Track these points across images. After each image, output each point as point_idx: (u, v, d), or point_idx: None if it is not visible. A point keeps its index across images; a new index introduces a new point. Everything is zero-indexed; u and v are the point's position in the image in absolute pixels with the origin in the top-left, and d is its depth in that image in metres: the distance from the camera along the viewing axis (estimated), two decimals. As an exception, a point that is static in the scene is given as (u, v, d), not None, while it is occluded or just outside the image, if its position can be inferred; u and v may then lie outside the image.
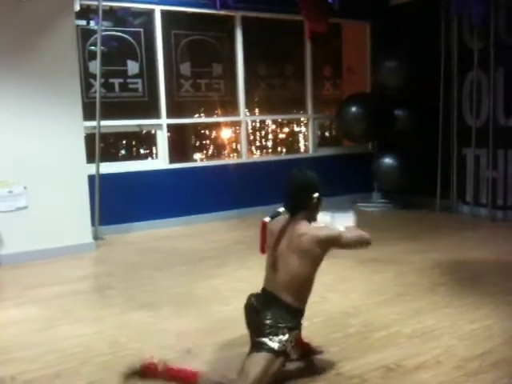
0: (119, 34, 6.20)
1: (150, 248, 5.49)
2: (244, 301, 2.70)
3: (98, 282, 4.60)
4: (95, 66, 5.72)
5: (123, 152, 7.01)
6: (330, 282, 4.16)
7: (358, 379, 2.62)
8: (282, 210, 2.65)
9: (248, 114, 7.26)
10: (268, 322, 2.48)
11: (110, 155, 6.61)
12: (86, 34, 5.94)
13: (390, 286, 4.04)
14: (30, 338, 3.27)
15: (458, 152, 6.69)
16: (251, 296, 2.67)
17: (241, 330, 2.74)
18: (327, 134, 8.58)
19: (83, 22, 5.80)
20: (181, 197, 6.43)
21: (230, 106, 7.12)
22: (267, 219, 2.58)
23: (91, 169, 5.57)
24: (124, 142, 6.99)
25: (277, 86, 7.65)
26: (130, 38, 6.28)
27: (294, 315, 2.55)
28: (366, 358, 2.84)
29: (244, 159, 7.10)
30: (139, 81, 6.35)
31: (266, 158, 7.97)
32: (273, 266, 2.63)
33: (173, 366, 2.42)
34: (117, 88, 6.22)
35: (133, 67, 6.30)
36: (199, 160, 7.47)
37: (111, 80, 6.17)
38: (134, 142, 7.03)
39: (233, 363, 2.61)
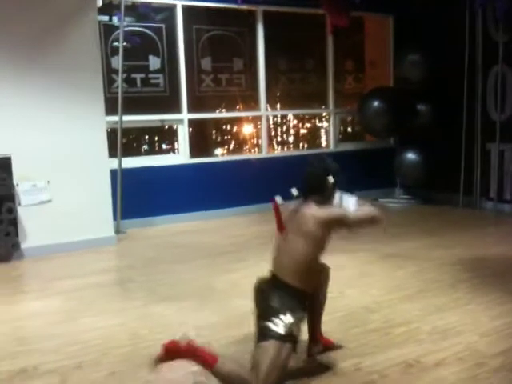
0: (141, 29, 6.24)
1: (170, 242, 5.53)
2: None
3: (119, 275, 4.65)
4: (117, 62, 5.77)
5: (145, 147, 7.05)
6: (350, 278, 4.15)
7: (377, 375, 2.60)
8: (295, 191, 2.67)
9: (269, 108, 7.24)
10: (273, 304, 2.47)
11: (131, 150, 6.66)
12: (108, 30, 5.99)
13: (411, 282, 4.01)
14: (52, 330, 3.32)
15: (481, 147, 6.59)
16: (259, 279, 2.66)
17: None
18: (349, 129, 8.52)
19: (105, 18, 5.87)
20: (201, 191, 6.45)
21: (251, 101, 7.12)
22: (278, 198, 2.61)
23: (113, 163, 5.63)
24: (146, 136, 7.03)
25: (298, 81, 7.62)
26: (151, 34, 6.32)
27: (299, 298, 2.53)
28: (385, 354, 2.82)
29: (264, 154, 7.10)
30: (161, 76, 6.38)
31: (286, 153, 7.95)
32: (279, 249, 2.65)
33: (194, 344, 2.40)
34: (138, 83, 6.26)
35: (154, 62, 6.33)
36: (220, 155, 7.48)
37: (133, 75, 6.22)
38: (155, 137, 7.06)
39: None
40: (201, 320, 3.37)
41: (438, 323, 3.21)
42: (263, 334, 2.44)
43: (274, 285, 2.57)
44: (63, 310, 3.65)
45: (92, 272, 4.53)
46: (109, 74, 6.02)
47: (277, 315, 2.43)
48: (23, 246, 4.95)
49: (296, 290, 2.53)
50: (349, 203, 2.69)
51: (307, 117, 8.31)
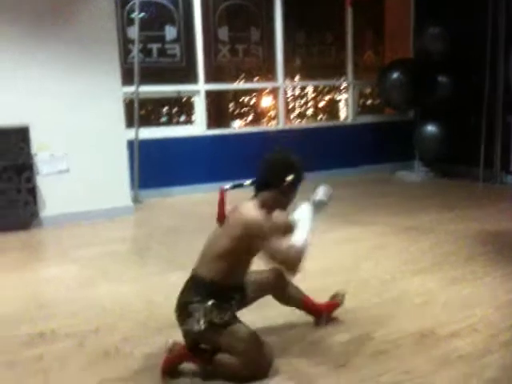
0: (158, -1, 6.19)
1: (188, 212, 5.56)
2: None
3: (136, 244, 4.70)
4: (134, 32, 5.73)
5: (162, 118, 7.04)
6: (366, 250, 4.14)
7: (391, 344, 2.61)
8: (247, 182, 2.45)
9: (286, 80, 7.16)
10: (183, 300, 2.34)
11: (149, 121, 6.65)
12: (124, 0, 5.94)
13: (427, 255, 3.98)
14: (70, 295, 3.39)
15: (503, 120, 6.46)
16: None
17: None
18: (369, 102, 8.39)
19: (121, -13, 5.81)
20: (218, 162, 6.45)
21: (268, 72, 7.04)
22: (226, 187, 2.44)
23: (131, 134, 5.64)
24: (162, 107, 7.02)
25: (316, 53, 7.50)
26: (167, 4, 6.25)
27: (212, 289, 2.31)
28: (399, 325, 2.82)
29: (282, 126, 7.05)
30: (177, 46, 6.33)
31: (303, 125, 7.89)
32: (207, 244, 2.45)
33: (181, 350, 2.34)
34: (155, 53, 6.22)
35: (171, 32, 6.28)
36: (237, 127, 7.44)
37: (149, 45, 6.17)
38: (172, 108, 7.04)
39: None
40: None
41: (453, 295, 3.20)
42: (195, 336, 2.30)
43: (190, 281, 2.40)
44: (81, 277, 3.71)
45: (109, 240, 4.58)
46: (125, 44, 5.99)
47: (188, 309, 2.29)
48: (42, 214, 5.02)
49: (211, 282, 2.32)
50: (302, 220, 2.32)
51: (326, 90, 8.20)
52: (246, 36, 6.84)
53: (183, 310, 2.33)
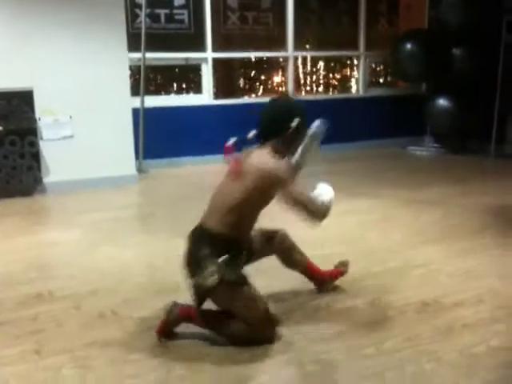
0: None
1: (192, 182, 5.49)
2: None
3: (140, 211, 4.67)
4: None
5: (168, 86, 6.92)
6: (373, 221, 4.07)
7: (395, 311, 2.55)
8: (250, 135, 2.37)
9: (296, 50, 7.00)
10: (195, 254, 2.26)
11: (155, 89, 6.55)
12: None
13: (435, 227, 3.89)
14: (70, 258, 3.35)
15: (517, 95, 6.29)
16: (189, 233, 2.37)
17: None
18: (382, 78, 8.22)
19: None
20: (225, 133, 6.32)
21: (278, 41, 6.88)
22: (231, 142, 2.38)
23: (136, 102, 5.55)
24: (169, 75, 6.89)
25: (328, 22, 7.31)
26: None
27: (223, 243, 2.24)
28: (403, 293, 2.76)
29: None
30: (185, 12, 6.18)
31: (313, 97, 7.74)
32: (215, 196, 2.37)
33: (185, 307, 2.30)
34: (162, 19, 6.09)
35: (179, -2, 6.14)
36: (245, 97, 7.31)
37: (157, 11, 6.04)
38: (179, 77, 6.91)
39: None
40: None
41: (459, 266, 3.12)
42: (202, 292, 2.22)
43: (200, 234, 2.31)
44: (82, 241, 3.67)
45: (113, 207, 4.54)
46: (132, 9, 5.86)
47: (202, 264, 2.20)
48: (46, 180, 4.97)
49: (220, 235, 2.24)
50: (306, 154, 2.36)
51: (338, 65, 8.01)
52: (256, 3, 6.66)
53: (194, 263, 2.25)
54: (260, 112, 2.38)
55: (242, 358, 2.17)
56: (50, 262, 3.35)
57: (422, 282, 2.91)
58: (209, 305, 2.30)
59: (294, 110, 2.34)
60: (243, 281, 2.24)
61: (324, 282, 2.76)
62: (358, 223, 4.01)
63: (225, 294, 2.22)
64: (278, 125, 2.31)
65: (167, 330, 2.31)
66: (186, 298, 2.34)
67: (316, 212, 2.28)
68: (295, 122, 2.29)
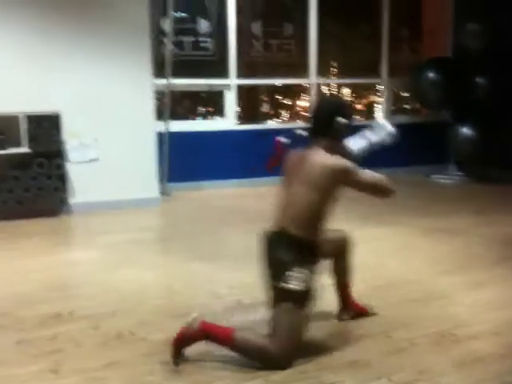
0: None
1: (214, 205, 5.56)
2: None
3: (161, 233, 4.75)
4: (167, 24, 5.77)
5: (192, 111, 7.06)
6: (392, 249, 4.06)
7: (408, 342, 2.54)
8: (302, 131, 2.53)
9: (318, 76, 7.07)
10: (283, 258, 2.33)
11: (179, 113, 6.68)
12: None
13: (454, 256, 3.87)
14: (91, 278, 3.43)
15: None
16: (265, 233, 2.50)
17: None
18: (406, 105, 8.25)
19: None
20: (248, 158, 6.43)
21: (301, 68, 6.97)
22: (282, 138, 2.49)
23: (161, 126, 5.68)
24: (194, 100, 7.03)
25: (351, 49, 7.39)
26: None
27: (307, 249, 2.36)
28: (419, 325, 2.74)
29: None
30: (210, 40, 6.34)
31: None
32: (285, 199, 2.46)
33: (206, 323, 2.33)
34: (188, 46, 6.25)
35: (204, 26, 6.30)
36: (269, 122, 7.40)
37: (182, 38, 6.21)
38: (204, 102, 7.05)
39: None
40: (234, 279, 3.38)
41: (477, 297, 3.10)
42: (279, 295, 2.32)
43: (280, 238, 2.41)
44: (103, 262, 3.76)
45: (135, 229, 4.62)
46: (159, 36, 6.03)
47: (288, 270, 2.29)
48: (71, 201, 5.10)
49: (303, 240, 2.36)
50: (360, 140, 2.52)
51: (363, 91, 8.06)
52: (280, 31, 6.79)
53: (278, 267, 2.35)
54: (311, 111, 2.54)
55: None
56: (70, 281, 3.43)
57: (440, 314, 2.89)
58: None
59: (339, 109, 2.47)
60: (312, 296, 2.34)
61: (348, 309, 2.78)
62: (379, 250, 4.01)
63: (296, 303, 2.29)
64: (325, 122, 2.43)
65: (183, 344, 2.31)
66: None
67: (385, 186, 2.45)
68: (341, 119, 2.41)
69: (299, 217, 2.37)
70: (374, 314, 2.84)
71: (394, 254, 3.94)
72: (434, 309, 2.96)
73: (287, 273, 2.29)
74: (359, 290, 2.88)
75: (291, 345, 2.30)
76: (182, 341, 2.32)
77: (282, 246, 2.38)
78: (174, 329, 2.53)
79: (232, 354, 2.34)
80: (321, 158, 2.36)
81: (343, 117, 2.42)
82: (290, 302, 2.29)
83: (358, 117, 8.05)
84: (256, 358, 2.31)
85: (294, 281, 2.28)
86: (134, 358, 2.40)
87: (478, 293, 3.17)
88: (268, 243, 2.46)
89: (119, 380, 2.23)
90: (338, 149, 2.44)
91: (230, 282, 3.33)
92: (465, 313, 2.90)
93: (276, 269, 2.36)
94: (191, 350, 2.35)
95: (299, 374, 2.27)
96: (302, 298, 2.31)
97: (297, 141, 2.49)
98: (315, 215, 2.39)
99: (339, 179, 2.36)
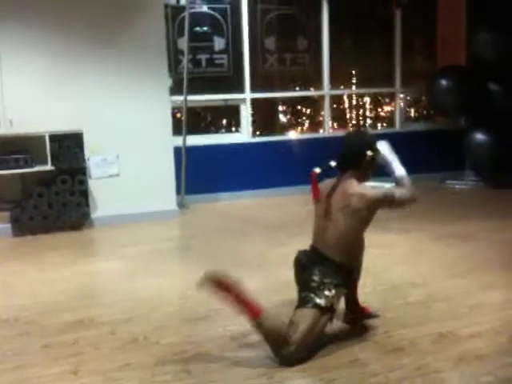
0: (207, 11, 6.44)
1: (231, 216, 5.72)
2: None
3: (178, 244, 4.93)
4: (184, 43, 6.00)
5: (209, 126, 7.27)
6: (401, 254, 4.15)
7: (408, 342, 2.65)
8: (333, 163, 2.69)
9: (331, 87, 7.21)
10: (315, 278, 2.56)
11: (196, 128, 6.90)
12: (176, 12, 6.24)
13: (463, 261, 3.94)
14: (111, 288, 3.64)
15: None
16: (300, 252, 2.76)
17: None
18: (416, 111, 8.32)
19: (173, 1, 6.10)
20: (264, 169, 6.59)
21: (315, 81, 7.13)
22: (317, 170, 2.65)
23: (178, 141, 5.89)
24: (210, 115, 7.25)
25: (364, 60, 7.51)
26: (217, 15, 6.49)
27: (340, 273, 2.59)
28: (421, 326, 2.84)
29: (327, 133, 7.12)
30: (225, 56, 6.56)
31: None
32: (321, 225, 2.69)
33: (244, 292, 2.50)
34: (203, 63, 6.48)
35: (219, 43, 6.52)
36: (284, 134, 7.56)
37: (198, 56, 6.44)
38: (220, 116, 7.25)
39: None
40: (248, 284, 3.48)
41: (481, 299, 3.18)
42: (305, 301, 2.54)
43: (317, 259, 2.64)
44: (123, 272, 3.95)
45: (154, 240, 4.82)
46: (176, 54, 6.28)
47: (318, 288, 2.52)
48: (93, 215, 5.34)
49: (339, 264, 2.60)
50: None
51: (382, 100, 8.17)
52: (293, 45, 6.96)
53: (313, 283, 2.55)
54: (342, 144, 2.76)
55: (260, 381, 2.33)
56: (92, 291, 3.63)
57: (442, 315, 2.98)
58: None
59: (367, 143, 2.72)
60: (333, 312, 2.57)
61: (353, 311, 2.89)
62: (387, 256, 4.10)
63: (318, 314, 2.50)
64: (355, 157, 2.69)
65: (219, 283, 2.52)
66: (213, 327, 2.64)
67: (412, 197, 2.69)
68: (370, 154, 2.67)
69: (340, 244, 2.60)
70: (376, 317, 2.95)
71: (402, 258, 4.04)
72: (436, 311, 3.05)
73: (318, 291, 2.52)
74: (364, 293, 2.98)
75: (305, 344, 2.46)
76: (220, 283, 2.51)
77: (318, 266, 2.60)
78: (185, 333, 2.71)
79: (237, 353, 2.51)
80: (357, 188, 2.61)
81: (372, 151, 2.68)
82: (314, 309, 2.50)
83: (377, 125, 8.19)
84: (272, 342, 2.46)
85: (322, 299, 2.51)
86: (147, 360, 2.56)
87: (482, 295, 3.24)
88: (304, 261, 2.69)
89: (134, 380, 2.39)
90: (366, 179, 2.71)
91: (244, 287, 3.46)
92: (467, 314, 2.98)
93: (308, 285, 2.57)
94: (196, 352, 2.50)
95: (301, 372, 2.40)
96: (325, 311, 2.52)
97: (327, 171, 2.69)
98: (352, 240, 2.65)
99: (376, 207, 2.62)
